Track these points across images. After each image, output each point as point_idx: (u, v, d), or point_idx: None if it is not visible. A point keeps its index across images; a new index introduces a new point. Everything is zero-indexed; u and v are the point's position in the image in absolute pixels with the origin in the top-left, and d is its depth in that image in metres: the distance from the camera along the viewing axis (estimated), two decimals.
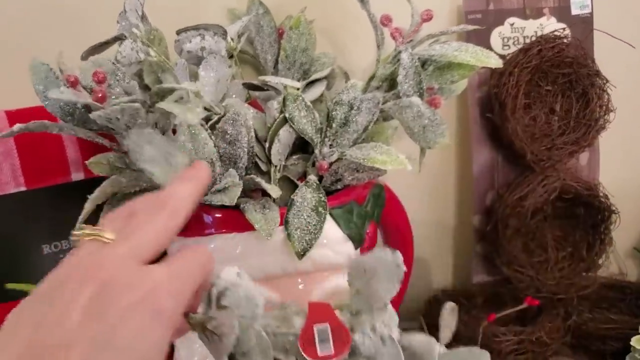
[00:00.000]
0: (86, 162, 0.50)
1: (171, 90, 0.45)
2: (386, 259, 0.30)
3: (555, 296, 0.67)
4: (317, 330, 0.29)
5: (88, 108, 0.45)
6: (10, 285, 0.55)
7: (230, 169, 0.49)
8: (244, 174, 0.51)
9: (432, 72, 0.53)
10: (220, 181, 0.50)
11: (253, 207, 0.50)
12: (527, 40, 0.69)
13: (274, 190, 0.49)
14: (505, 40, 0.69)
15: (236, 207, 0.51)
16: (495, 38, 0.69)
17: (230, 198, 0.47)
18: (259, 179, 0.50)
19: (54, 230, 0.60)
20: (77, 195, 0.58)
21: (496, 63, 0.50)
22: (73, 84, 0.45)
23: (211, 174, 0.32)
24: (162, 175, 0.42)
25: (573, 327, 0.66)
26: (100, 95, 0.44)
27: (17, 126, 0.44)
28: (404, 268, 0.31)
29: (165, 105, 0.44)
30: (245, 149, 0.50)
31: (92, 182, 0.59)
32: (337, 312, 0.32)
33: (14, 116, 0.56)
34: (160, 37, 0.57)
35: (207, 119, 0.52)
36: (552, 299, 0.67)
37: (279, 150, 0.53)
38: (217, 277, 0.31)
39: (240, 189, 0.48)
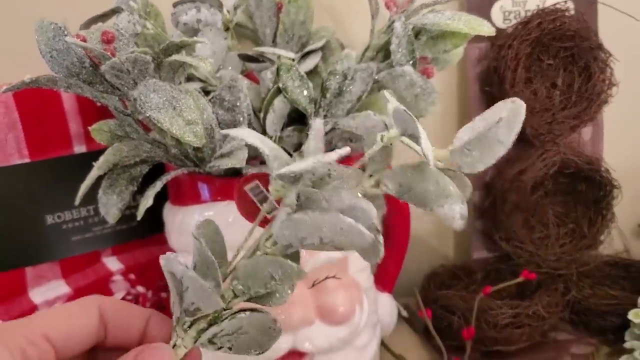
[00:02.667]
0: (89, 127, 0.51)
1: (179, 47, 0.46)
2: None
3: (556, 272, 0.66)
4: (249, 190, 0.27)
5: (96, 66, 0.46)
6: None
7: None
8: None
9: (426, 41, 0.52)
10: (220, 147, 0.51)
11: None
12: (529, 14, 0.68)
13: None
14: (507, 14, 0.69)
15: (232, 175, 0.52)
16: (496, 12, 0.68)
17: (238, 160, 0.47)
18: None
19: (57, 201, 0.61)
20: (79, 168, 0.60)
21: (489, 31, 0.50)
22: (83, 41, 0.46)
23: None
24: (168, 121, 0.43)
25: (572, 302, 0.65)
26: (109, 53, 0.45)
27: (28, 77, 0.45)
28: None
29: (179, 56, 0.45)
30: (245, 115, 0.50)
31: (94, 155, 0.61)
32: None
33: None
34: (156, 12, 0.58)
35: (204, 91, 0.53)
36: (552, 275, 0.66)
37: (273, 120, 0.53)
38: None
39: (247, 152, 0.48)
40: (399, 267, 0.63)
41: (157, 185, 0.49)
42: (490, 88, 0.66)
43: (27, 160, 0.60)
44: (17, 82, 0.45)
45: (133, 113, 0.49)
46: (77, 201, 0.50)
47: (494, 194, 0.67)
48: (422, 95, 0.50)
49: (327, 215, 0.25)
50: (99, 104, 0.58)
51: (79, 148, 0.62)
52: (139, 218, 0.48)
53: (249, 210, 0.26)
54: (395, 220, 0.63)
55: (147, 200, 0.48)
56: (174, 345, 0.29)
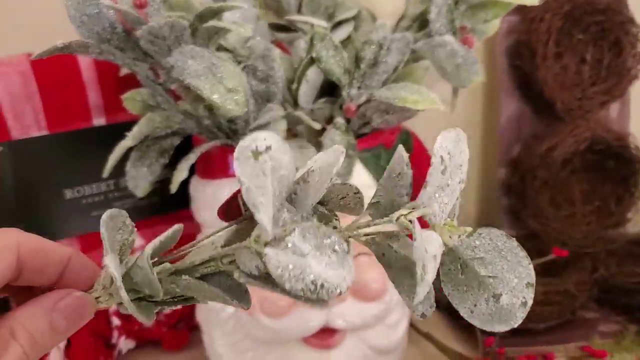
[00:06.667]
0: (122, 96, 0.49)
1: (215, 13, 0.44)
2: None
3: (583, 250, 0.65)
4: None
5: (128, 32, 0.44)
6: None
7: (269, 104, 0.48)
8: None
9: (465, 10, 0.51)
10: (254, 120, 0.49)
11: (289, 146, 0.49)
12: None
13: (316, 124, 0.48)
14: None
15: None
16: None
17: (275, 133, 0.46)
18: (299, 113, 0.48)
19: (76, 174, 0.59)
20: (98, 141, 0.58)
21: (532, 0, 0.49)
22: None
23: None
24: (208, 88, 0.41)
25: (600, 281, 0.64)
26: (143, 17, 0.43)
27: (60, 42, 0.42)
28: None
29: (216, 22, 0.43)
30: (280, 85, 0.49)
31: (113, 128, 0.59)
32: None
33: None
34: None
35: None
36: (579, 253, 0.66)
37: (307, 92, 0.52)
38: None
39: (285, 124, 0.46)
40: None
41: (191, 158, 0.47)
42: (520, 62, 0.65)
43: (45, 132, 0.58)
44: (48, 48, 0.43)
45: (165, 82, 0.47)
46: (106, 173, 0.48)
47: (522, 171, 0.66)
48: (464, 65, 0.49)
49: None
50: (122, 73, 0.56)
51: (98, 120, 0.60)
52: (173, 191, 0.46)
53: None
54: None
55: (181, 173, 0.46)
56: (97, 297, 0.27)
